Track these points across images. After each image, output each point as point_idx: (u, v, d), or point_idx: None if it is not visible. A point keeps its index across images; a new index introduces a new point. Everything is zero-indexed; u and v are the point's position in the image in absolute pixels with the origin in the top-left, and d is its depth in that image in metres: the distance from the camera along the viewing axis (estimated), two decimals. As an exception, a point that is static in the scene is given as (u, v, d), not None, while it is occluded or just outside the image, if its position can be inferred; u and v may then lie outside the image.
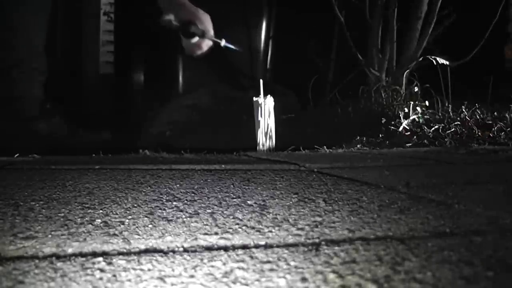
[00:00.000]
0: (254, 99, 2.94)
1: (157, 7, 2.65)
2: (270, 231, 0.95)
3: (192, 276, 0.70)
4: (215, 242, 0.87)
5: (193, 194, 1.34)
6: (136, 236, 0.91)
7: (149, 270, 0.72)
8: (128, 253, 0.80)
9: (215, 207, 1.18)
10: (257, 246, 0.85)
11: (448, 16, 3.51)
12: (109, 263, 0.75)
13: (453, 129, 3.10)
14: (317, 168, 1.89)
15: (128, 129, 3.59)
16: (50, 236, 0.90)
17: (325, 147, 2.87)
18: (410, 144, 2.96)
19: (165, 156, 2.43)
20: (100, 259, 0.77)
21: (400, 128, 3.10)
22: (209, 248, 0.84)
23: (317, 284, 0.67)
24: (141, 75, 4.02)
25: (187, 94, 3.56)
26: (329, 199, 1.27)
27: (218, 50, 3.10)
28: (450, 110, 3.35)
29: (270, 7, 3.76)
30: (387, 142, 3.01)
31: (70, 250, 0.81)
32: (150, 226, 0.99)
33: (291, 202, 1.24)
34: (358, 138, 3.03)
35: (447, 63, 3.49)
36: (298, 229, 0.97)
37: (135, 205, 1.19)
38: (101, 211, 1.12)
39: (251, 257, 0.79)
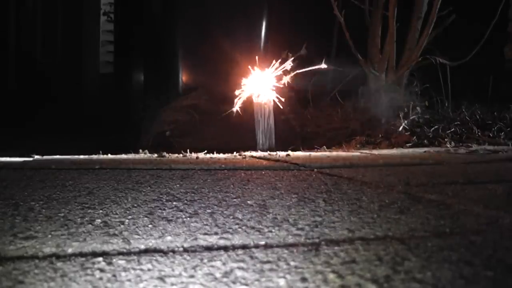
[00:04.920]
0: (254, 99, 2.95)
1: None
2: (270, 231, 0.95)
3: (192, 276, 0.70)
4: (215, 242, 0.87)
5: (193, 194, 1.34)
6: (136, 236, 0.91)
7: (149, 270, 0.72)
8: (128, 253, 0.81)
9: (215, 207, 1.18)
10: (257, 246, 0.85)
11: (448, 16, 3.50)
12: (109, 263, 0.75)
13: (453, 129, 3.10)
14: (317, 168, 1.89)
15: (128, 128, 3.59)
16: (50, 236, 0.90)
17: (325, 147, 2.87)
18: (410, 144, 2.96)
19: (165, 156, 2.43)
20: (100, 259, 0.77)
21: (400, 128, 3.10)
22: (209, 248, 0.84)
23: (317, 284, 0.67)
24: (140, 75, 4.02)
25: (187, 94, 3.56)
26: (329, 199, 1.27)
27: (218, 51, 3.11)
28: (450, 110, 3.35)
29: (270, 8, 3.76)
30: (387, 142, 3.01)
31: (70, 250, 0.81)
32: (150, 226, 0.99)
33: (291, 202, 1.24)
34: (358, 138, 3.03)
35: (447, 63, 3.49)
36: (298, 229, 0.97)
37: (135, 205, 1.19)
38: (101, 211, 1.12)
39: (251, 257, 0.79)
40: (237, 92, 2.93)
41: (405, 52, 3.62)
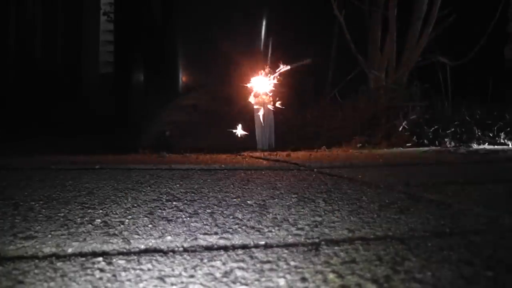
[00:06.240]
0: (255, 99, 2.95)
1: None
2: (270, 231, 0.95)
3: (192, 276, 0.70)
4: (215, 242, 0.87)
5: (193, 194, 1.34)
6: (136, 236, 0.91)
7: (149, 270, 0.72)
8: (128, 253, 0.80)
9: (215, 207, 1.18)
10: (257, 246, 0.85)
11: (448, 16, 3.50)
12: (109, 263, 0.75)
13: (453, 129, 3.10)
14: (317, 168, 1.89)
15: (128, 128, 3.59)
16: (50, 236, 0.90)
17: (324, 147, 2.87)
18: (409, 144, 2.97)
19: (165, 156, 2.43)
20: (100, 259, 0.77)
21: (400, 128, 3.10)
22: (209, 248, 0.84)
23: (317, 284, 0.67)
24: (140, 75, 4.02)
25: (187, 94, 3.56)
26: (329, 199, 1.27)
27: (218, 51, 3.11)
28: (450, 110, 3.35)
29: (270, 9, 3.76)
30: (387, 142, 3.01)
31: (70, 250, 0.81)
32: (150, 226, 0.99)
33: (291, 202, 1.24)
34: (358, 138, 3.03)
35: (447, 62, 3.49)
36: (298, 229, 0.97)
37: (135, 205, 1.19)
38: (101, 211, 1.12)
39: (251, 257, 0.79)
40: (237, 92, 2.94)
41: (405, 52, 3.61)
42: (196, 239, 0.89)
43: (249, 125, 2.93)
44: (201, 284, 0.67)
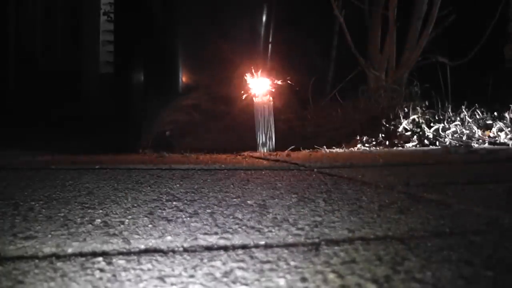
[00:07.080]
0: (254, 99, 2.95)
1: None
2: (270, 231, 0.95)
3: (192, 276, 0.70)
4: (215, 242, 0.87)
5: (193, 194, 1.34)
6: (136, 236, 0.91)
7: (149, 270, 0.72)
8: (128, 253, 0.81)
9: (215, 207, 1.18)
10: (257, 246, 0.85)
11: (448, 16, 3.50)
12: (109, 263, 0.75)
13: (453, 129, 3.10)
14: (317, 168, 1.89)
15: (128, 128, 3.59)
16: (50, 236, 0.90)
17: (325, 147, 2.87)
18: (410, 144, 2.97)
19: (165, 156, 2.43)
20: (100, 259, 0.77)
21: (400, 128, 3.10)
22: (209, 248, 0.84)
23: (317, 284, 0.67)
24: (140, 75, 4.02)
25: (187, 94, 3.56)
26: (329, 199, 1.27)
27: (219, 51, 3.11)
28: (450, 110, 3.35)
29: (270, 7, 3.76)
30: (387, 142, 3.01)
31: (70, 250, 0.81)
32: (150, 226, 0.99)
33: (291, 202, 1.24)
34: (358, 138, 3.03)
35: (447, 62, 3.49)
36: (298, 229, 0.97)
37: (135, 205, 1.19)
38: (101, 211, 1.12)
39: (251, 257, 0.79)
40: (237, 93, 2.94)
41: (405, 52, 3.61)
42: (196, 239, 0.89)
43: (249, 125, 2.93)
44: (201, 284, 0.67)
